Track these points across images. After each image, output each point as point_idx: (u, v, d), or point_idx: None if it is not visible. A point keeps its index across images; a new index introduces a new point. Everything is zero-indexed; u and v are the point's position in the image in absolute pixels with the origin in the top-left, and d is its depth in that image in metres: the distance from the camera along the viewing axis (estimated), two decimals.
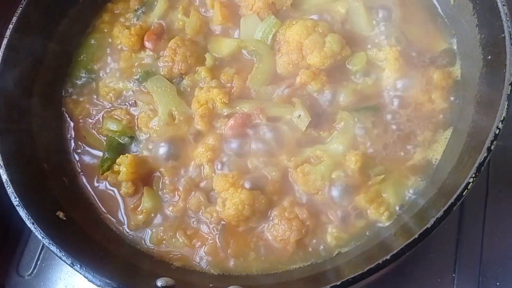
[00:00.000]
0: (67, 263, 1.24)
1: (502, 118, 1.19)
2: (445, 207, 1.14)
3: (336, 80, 1.53)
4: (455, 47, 1.52)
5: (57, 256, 1.25)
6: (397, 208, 1.38)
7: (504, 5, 1.31)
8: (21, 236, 1.90)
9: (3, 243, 1.87)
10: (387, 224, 1.37)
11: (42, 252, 1.87)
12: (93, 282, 1.22)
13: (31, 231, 1.59)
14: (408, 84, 1.48)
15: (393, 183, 1.40)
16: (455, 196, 1.14)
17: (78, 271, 1.22)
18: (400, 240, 1.21)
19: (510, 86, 1.22)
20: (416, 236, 1.13)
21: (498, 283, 1.55)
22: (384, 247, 1.29)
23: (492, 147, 1.18)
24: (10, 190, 1.34)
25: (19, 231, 1.89)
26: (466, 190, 1.15)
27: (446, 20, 1.56)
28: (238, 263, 1.40)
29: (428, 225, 1.13)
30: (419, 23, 1.58)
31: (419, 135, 1.45)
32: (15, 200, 1.33)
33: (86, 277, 1.22)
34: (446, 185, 1.29)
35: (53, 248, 1.26)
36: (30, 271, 1.85)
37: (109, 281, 1.19)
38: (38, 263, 1.86)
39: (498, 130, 1.19)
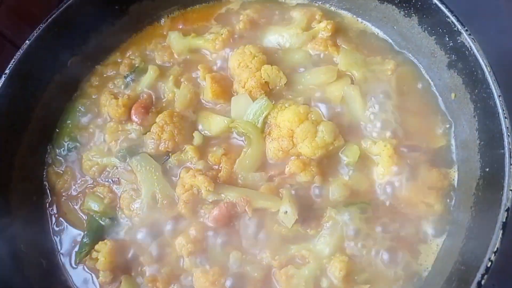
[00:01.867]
0: None
1: (495, 249, 1.13)
2: None
3: (327, 172, 1.47)
4: (453, 146, 1.45)
5: None
6: None
7: (506, 118, 1.24)
8: None
9: None
10: None
11: None
12: None
13: None
14: (401, 183, 1.42)
15: None
16: None
17: None
18: None
19: (506, 213, 1.15)
20: None
21: None
22: None
23: (483, 282, 1.11)
24: None
25: None
26: None
27: (447, 114, 1.49)
28: None
29: None
30: (418, 114, 1.52)
31: (409, 240, 1.38)
32: None
33: None
34: None
35: None
36: None
37: None
38: None
39: (490, 263, 1.12)
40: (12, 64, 1.53)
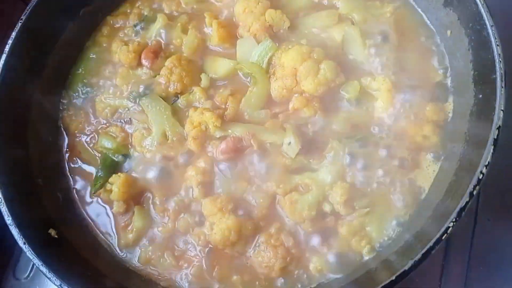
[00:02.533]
0: (56, 285, 1.28)
1: (487, 163, 1.20)
2: (423, 250, 1.16)
3: (329, 107, 1.54)
4: (449, 81, 1.52)
5: (46, 277, 1.28)
6: (378, 243, 1.40)
7: (498, 45, 1.30)
8: (13, 251, 1.92)
9: (0, 246, 1.92)
10: (367, 257, 1.39)
11: None
12: None
13: None
14: (399, 116, 1.49)
15: (377, 216, 1.41)
16: (433, 240, 1.16)
17: None
18: (380, 275, 1.24)
19: (497, 130, 1.22)
20: (393, 278, 1.15)
21: None
22: (367, 279, 1.32)
23: (475, 192, 1.19)
24: (3, 209, 1.38)
25: (10, 247, 1.91)
26: (446, 234, 1.17)
27: (443, 51, 1.56)
28: (222, 287, 1.43)
29: (406, 268, 1.16)
30: (416, 52, 1.57)
31: (407, 168, 1.45)
32: (8, 219, 1.36)
33: None
34: (428, 224, 1.30)
35: (43, 269, 1.29)
36: (27, 274, 1.90)
37: None
38: (35, 266, 1.90)
39: (481, 175, 1.20)
40: (27, 11, 1.61)
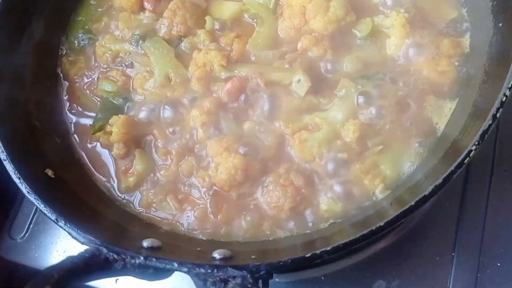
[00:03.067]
0: (51, 219, 1.20)
1: (510, 85, 1.13)
2: (445, 175, 1.08)
3: (340, 47, 1.47)
4: (466, 15, 1.46)
5: (42, 211, 1.21)
6: (393, 181, 1.33)
7: None
8: (14, 198, 1.87)
9: None
10: (381, 196, 1.32)
11: (35, 216, 1.84)
12: (77, 239, 1.18)
13: (23, 194, 1.61)
14: (414, 52, 1.42)
15: (391, 155, 1.34)
16: (455, 163, 1.09)
17: (62, 228, 1.19)
18: (395, 210, 1.16)
19: None
20: (413, 203, 1.08)
21: (499, 264, 1.49)
22: (378, 217, 1.23)
23: (498, 115, 1.12)
24: None
25: (12, 194, 1.86)
26: (468, 158, 1.09)
27: None
28: (228, 229, 1.35)
29: (426, 193, 1.08)
30: None
31: (423, 104, 1.39)
32: (2, 154, 1.29)
33: (70, 234, 1.19)
34: (447, 155, 1.23)
35: (38, 203, 1.22)
36: (22, 234, 1.83)
37: (92, 238, 1.15)
38: (31, 227, 1.83)
39: (505, 97, 1.13)
40: None
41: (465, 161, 1.09)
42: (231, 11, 1.57)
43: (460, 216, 1.57)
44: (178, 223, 1.39)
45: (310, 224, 1.33)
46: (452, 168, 1.09)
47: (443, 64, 1.39)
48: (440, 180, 1.08)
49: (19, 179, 1.26)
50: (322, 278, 1.58)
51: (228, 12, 1.58)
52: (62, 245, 1.78)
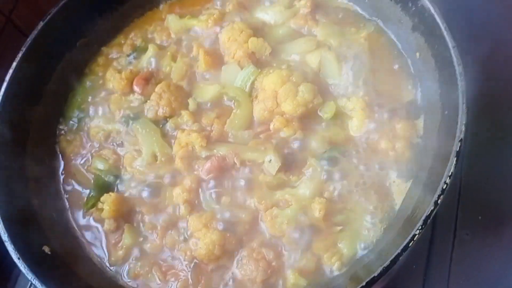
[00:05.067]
0: None
1: (450, 173, 1.28)
2: (392, 257, 1.22)
3: (308, 127, 1.63)
4: (419, 99, 1.61)
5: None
6: (349, 259, 1.46)
7: (459, 65, 1.40)
8: (11, 272, 1.96)
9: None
10: (337, 273, 1.44)
11: None
12: None
13: None
14: (373, 133, 1.57)
15: (350, 234, 1.47)
16: (401, 246, 1.23)
17: None
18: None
19: (460, 143, 1.30)
20: (363, 284, 1.21)
21: None
22: None
23: (439, 201, 1.26)
24: (1, 226, 1.46)
25: (9, 267, 1.94)
26: (413, 241, 1.23)
27: (412, 72, 1.65)
28: None
29: (375, 274, 1.22)
30: (388, 73, 1.67)
31: (382, 184, 1.53)
32: (3, 235, 1.45)
33: None
34: (400, 234, 1.36)
35: (36, 282, 1.37)
36: None
37: None
38: None
39: (445, 185, 1.27)
40: (27, 42, 1.73)
41: (410, 244, 1.23)
42: (211, 94, 1.74)
43: (426, 279, 1.69)
44: None
45: None
46: (398, 251, 1.22)
47: (400, 145, 1.54)
48: (387, 263, 1.22)
49: (19, 259, 1.41)
50: None
51: (208, 95, 1.74)
52: None
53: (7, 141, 1.66)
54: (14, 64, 1.71)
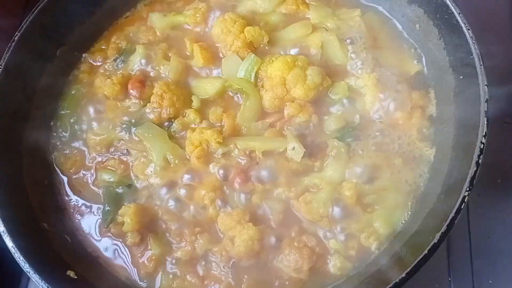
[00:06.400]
0: None
1: (484, 133, 1.31)
2: (447, 222, 1.24)
3: (321, 110, 1.61)
4: (425, 70, 1.65)
5: None
6: (387, 237, 1.46)
7: (468, 29, 1.44)
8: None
9: None
10: (377, 252, 1.45)
11: None
12: None
13: None
14: (388, 107, 1.58)
15: (384, 212, 1.47)
16: (455, 209, 1.25)
17: None
18: (395, 269, 1.30)
19: (486, 103, 1.34)
20: (426, 251, 1.22)
21: (490, 281, 1.67)
22: (381, 276, 1.36)
23: (480, 161, 1.29)
24: (18, 257, 1.32)
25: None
26: (464, 204, 1.25)
27: (414, 44, 1.69)
28: None
29: (435, 240, 1.23)
30: (390, 49, 1.69)
31: (405, 156, 1.54)
32: (25, 266, 1.31)
33: None
34: (436, 207, 1.38)
35: None
36: None
37: None
38: None
39: (482, 145, 1.30)
40: (3, 59, 1.59)
41: (462, 206, 1.25)
42: (214, 88, 1.67)
43: (449, 244, 1.73)
44: None
45: (329, 281, 1.43)
46: (452, 214, 1.24)
47: (417, 115, 1.57)
48: (444, 228, 1.23)
49: None
50: None
51: (212, 90, 1.68)
52: None
53: (2, 167, 1.51)
54: None
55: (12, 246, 1.34)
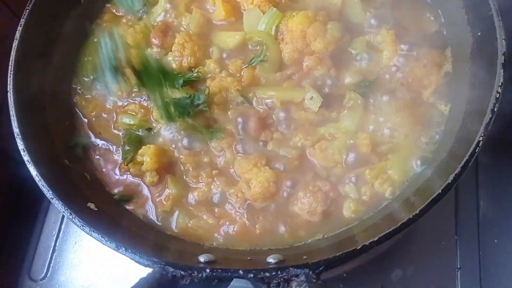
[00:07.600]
0: (111, 247, 1.27)
1: (500, 83, 1.34)
2: (462, 163, 1.27)
3: (340, 64, 1.64)
4: (444, 29, 1.68)
5: (100, 242, 1.27)
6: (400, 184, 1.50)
7: None
8: (29, 240, 1.89)
9: (14, 247, 1.86)
10: (391, 197, 1.48)
11: (54, 255, 1.87)
12: (140, 263, 1.26)
13: (39, 234, 1.68)
14: (406, 63, 1.61)
15: (398, 160, 1.51)
16: (469, 152, 1.28)
17: (123, 254, 1.26)
18: (406, 210, 1.34)
19: (503, 56, 1.38)
20: (440, 191, 1.26)
21: (496, 241, 1.71)
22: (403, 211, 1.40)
23: (495, 109, 1.32)
24: (41, 184, 1.36)
25: (28, 235, 1.88)
26: (478, 147, 1.29)
27: (431, 4, 1.72)
28: (268, 238, 1.47)
29: (449, 180, 1.26)
30: (409, 8, 1.72)
31: (421, 111, 1.57)
32: (48, 193, 1.35)
33: (133, 259, 1.26)
34: (452, 152, 1.42)
35: (95, 235, 1.29)
36: (43, 275, 1.85)
37: (156, 260, 1.23)
38: (51, 265, 1.86)
39: (498, 95, 1.33)
40: (28, 7, 1.61)
41: (476, 150, 1.28)
42: (235, 40, 1.71)
43: (457, 202, 1.77)
44: (218, 238, 1.49)
45: (342, 224, 1.47)
46: (467, 157, 1.27)
47: (434, 72, 1.60)
48: (458, 169, 1.26)
49: (71, 214, 1.32)
50: (344, 275, 1.73)
51: (232, 42, 1.71)
52: (87, 281, 1.82)
53: (27, 107, 1.53)
54: (19, 28, 1.58)
55: (36, 175, 1.37)
